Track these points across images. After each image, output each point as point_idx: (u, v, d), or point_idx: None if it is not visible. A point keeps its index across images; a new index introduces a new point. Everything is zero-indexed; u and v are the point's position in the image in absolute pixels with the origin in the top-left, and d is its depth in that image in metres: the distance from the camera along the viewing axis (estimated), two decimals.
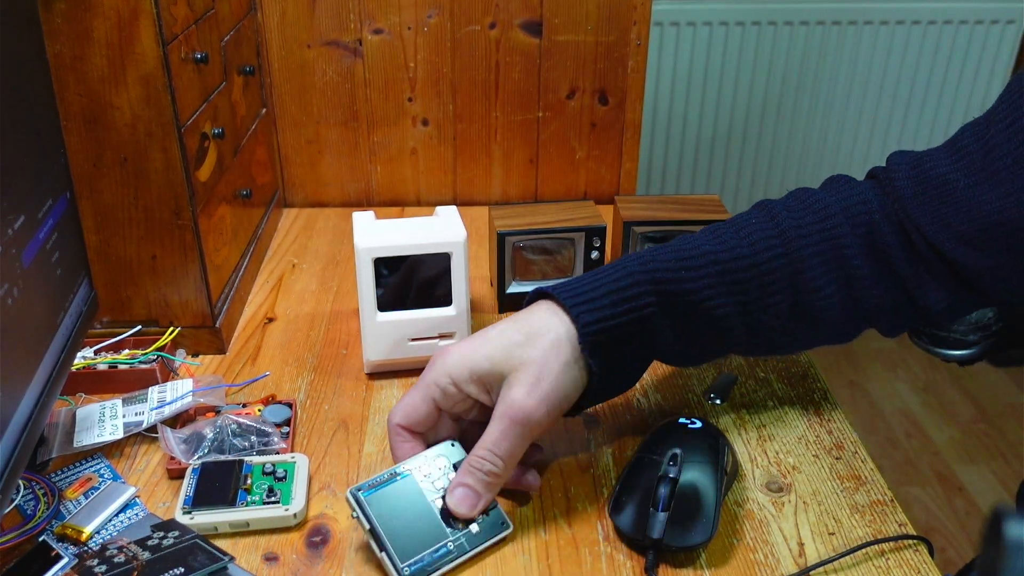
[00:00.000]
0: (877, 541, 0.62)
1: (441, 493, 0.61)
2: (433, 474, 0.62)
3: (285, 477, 0.66)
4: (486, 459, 0.60)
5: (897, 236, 0.64)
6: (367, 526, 0.58)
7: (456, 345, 0.63)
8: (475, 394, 0.62)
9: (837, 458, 0.71)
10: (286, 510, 0.63)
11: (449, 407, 0.63)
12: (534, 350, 0.61)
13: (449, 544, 0.59)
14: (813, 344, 0.70)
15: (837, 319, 0.66)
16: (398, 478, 0.61)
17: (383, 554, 0.57)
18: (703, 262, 0.64)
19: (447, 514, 0.60)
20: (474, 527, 0.61)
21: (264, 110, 1.08)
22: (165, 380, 0.78)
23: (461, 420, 0.66)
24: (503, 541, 0.62)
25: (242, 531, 0.63)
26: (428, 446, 0.64)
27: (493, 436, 0.60)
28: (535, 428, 0.60)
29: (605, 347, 0.62)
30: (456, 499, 0.60)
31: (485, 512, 0.61)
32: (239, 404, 0.75)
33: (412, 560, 0.58)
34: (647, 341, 0.64)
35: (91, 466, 0.70)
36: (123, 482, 0.68)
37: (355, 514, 0.58)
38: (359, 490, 0.59)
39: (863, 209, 0.65)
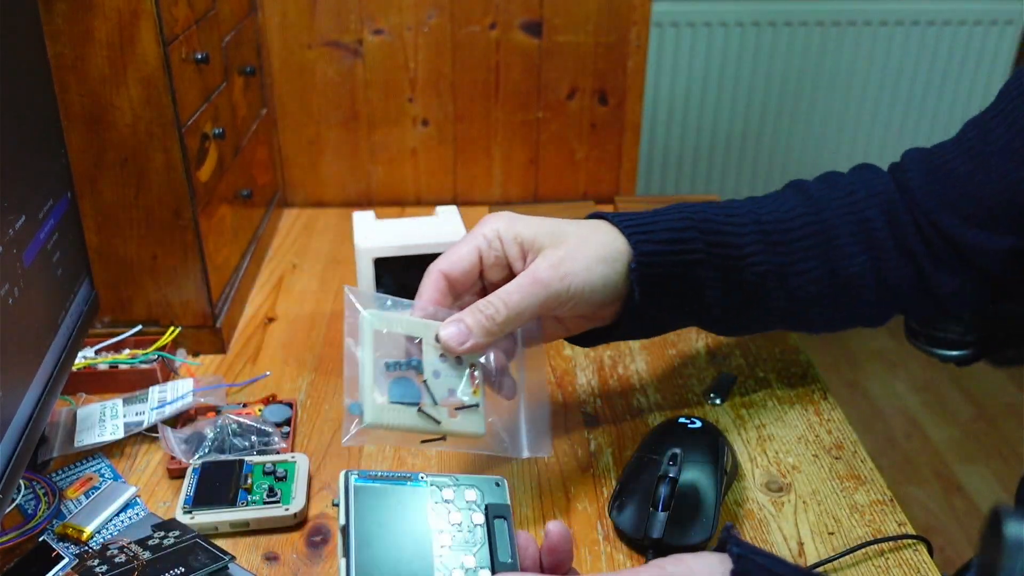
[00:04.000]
0: (876, 541, 0.62)
1: (451, 530, 0.51)
2: (455, 503, 0.52)
3: (285, 477, 0.66)
4: (492, 303, 0.59)
5: (912, 221, 0.70)
6: (342, 521, 0.48)
7: (510, 211, 0.65)
8: (513, 257, 0.62)
9: (836, 458, 0.71)
10: (286, 510, 0.63)
11: (488, 264, 0.63)
12: (577, 239, 0.62)
13: None
14: (848, 323, 0.73)
15: (870, 293, 0.70)
16: (409, 483, 0.52)
17: (343, 560, 0.48)
18: (747, 219, 0.68)
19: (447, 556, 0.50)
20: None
21: (264, 110, 1.08)
22: (166, 380, 0.78)
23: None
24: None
25: (242, 531, 0.63)
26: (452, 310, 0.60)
27: (508, 288, 0.60)
28: (550, 299, 0.60)
29: (652, 280, 0.64)
30: (448, 331, 0.59)
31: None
32: (239, 404, 0.75)
33: None
34: (694, 289, 0.66)
35: (92, 466, 0.70)
36: (124, 482, 0.68)
37: (337, 501, 0.50)
38: (356, 476, 0.51)
39: (883, 189, 0.71)
